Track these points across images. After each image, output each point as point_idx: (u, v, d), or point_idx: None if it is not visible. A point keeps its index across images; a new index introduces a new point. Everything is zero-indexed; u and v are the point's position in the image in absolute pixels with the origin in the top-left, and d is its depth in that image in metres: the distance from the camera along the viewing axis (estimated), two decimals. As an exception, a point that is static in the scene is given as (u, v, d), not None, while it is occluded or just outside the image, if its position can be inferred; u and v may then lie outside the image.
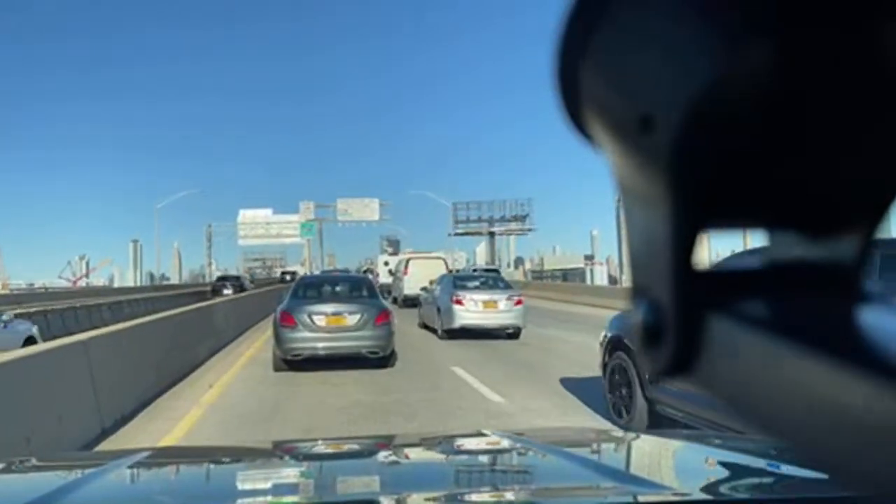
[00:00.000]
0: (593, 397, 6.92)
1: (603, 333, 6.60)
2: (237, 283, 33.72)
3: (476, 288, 14.47)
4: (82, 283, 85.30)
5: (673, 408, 5.27)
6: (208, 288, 32.88)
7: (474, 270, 28.20)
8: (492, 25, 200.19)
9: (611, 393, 6.27)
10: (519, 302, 14.00)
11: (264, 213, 69.34)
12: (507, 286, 15.26)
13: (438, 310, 14.30)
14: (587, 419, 6.53)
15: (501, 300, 13.84)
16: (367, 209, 67.45)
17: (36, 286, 59.18)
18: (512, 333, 13.83)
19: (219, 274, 48.98)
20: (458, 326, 13.59)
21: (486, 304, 13.74)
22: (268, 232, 68.59)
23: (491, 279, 16.01)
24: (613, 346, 6.26)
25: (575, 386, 7.90)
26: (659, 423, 5.45)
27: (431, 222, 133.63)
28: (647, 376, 5.57)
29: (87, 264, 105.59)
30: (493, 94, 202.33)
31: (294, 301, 10.05)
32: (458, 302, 13.70)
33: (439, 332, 14.17)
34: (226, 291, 28.25)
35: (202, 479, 1.65)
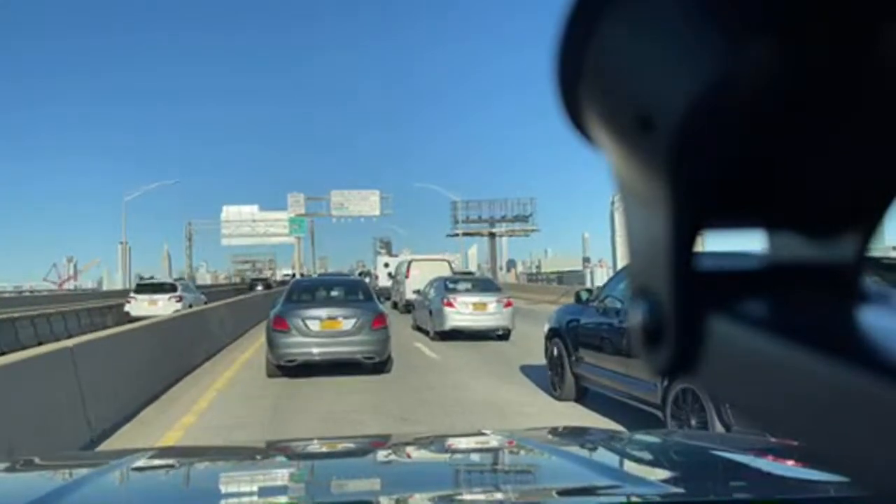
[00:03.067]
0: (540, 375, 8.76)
1: (546, 325, 8.29)
2: (265, 282, 47.80)
3: (467, 290, 14.63)
4: (70, 285, 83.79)
5: (590, 381, 7.11)
6: (246, 285, 48.23)
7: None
8: (487, 27, 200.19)
9: (550, 371, 8.01)
10: (508, 304, 14.26)
11: (250, 210, 61.66)
12: (497, 289, 15.56)
13: (430, 312, 14.45)
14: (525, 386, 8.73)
15: (491, 302, 14.06)
16: (365, 203, 58.97)
17: (24, 289, 57.89)
18: (502, 335, 14.03)
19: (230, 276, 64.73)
20: (449, 328, 13.76)
21: (476, 306, 13.93)
22: (254, 231, 61.30)
23: (482, 282, 16.33)
24: (553, 334, 7.99)
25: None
26: (584, 393, 7.40)
27: (430, 222, 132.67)
28: (573, 358, 7.34)
29: (75, 266, 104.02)
30: (489, 96, 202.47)
31: (288, 305, 9.69)
32: (449, 304, 13.87)
33: (431, 333, 14.26)
34: (258, 288, 39.90)
35: (202, 479, 1.65)
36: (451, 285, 15.01)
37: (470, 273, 28.83)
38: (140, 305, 20.36)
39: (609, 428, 5.11)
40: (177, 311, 16.33)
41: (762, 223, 0.32)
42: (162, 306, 19.37)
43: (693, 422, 4.97)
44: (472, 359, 11.29)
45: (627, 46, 0.29)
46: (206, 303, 18.98)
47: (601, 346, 6.75)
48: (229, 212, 61.48)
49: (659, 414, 5.52)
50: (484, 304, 14.02)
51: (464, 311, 13.87)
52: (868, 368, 0.23)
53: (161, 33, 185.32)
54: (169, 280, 26.39)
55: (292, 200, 60.89)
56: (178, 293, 21.35)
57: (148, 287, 22.53)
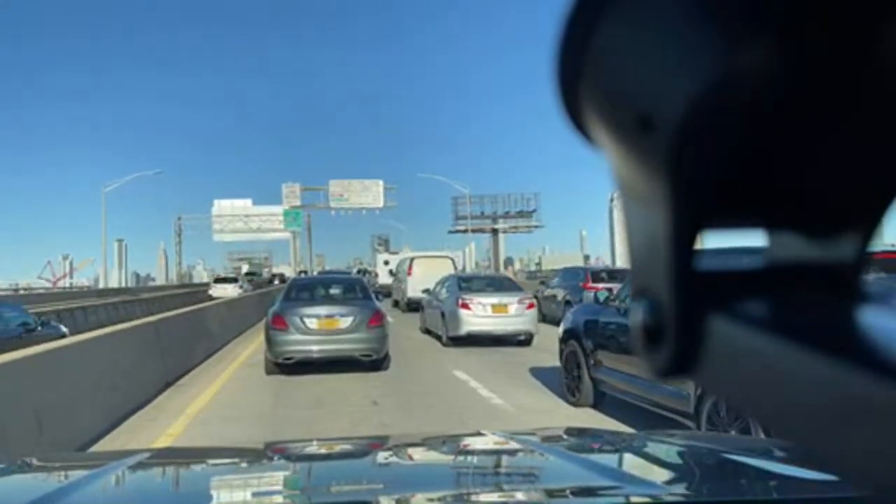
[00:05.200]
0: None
1: (561, 326, 7.89)
2: (282, 278, 52.69)
3: (483, 290, 13.23)
4: (65, 283, 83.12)
5: (610, 386, 6.66)
6: (267, 279, 57.46)
7: None
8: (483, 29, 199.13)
9: (566, 376, 7.49)
10: (531, 305, 12.92)
11: (243, 204, 58.03)
12: (518, 288, 14.18)
13: (443, 314, 13.13)
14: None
15: (512, 304, 12.62)
16: (368, 193, 54.54)
17: (20, 287, 57.48)
18: (524, 340, 12.78)
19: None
20: (465, 333, 12.38)
21: (495, 307, 12.50)
22: (247, 226, 57.61)
23: (500, 281, 14.98)
24: (568, 336, 7.57)
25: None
26: (601, 399, 6.90)
27: (431, 218, 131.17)
28: (590, 361, 6.89)
29: (71, 264, 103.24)
30: (487, 96, 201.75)
31: (286, 303, 9.81)
32: (465, 306, 12.43)
33: (444, 338, 13.02)
34: (275, 282, 47.22)
35: (201, 480, 1.64)
36: (465, 284, 13.62)
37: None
38: (218, 290, 33.97)
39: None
40: (238, 293, 28.79)
41: (762, 223, 0.32)
42: (231, 290, 32.78)
43: (733, 435, 4.42)
44: (553, 397, 7.70)
45: (627, 46, 0.29)
46: (252, 290, 32.08)
47: (622, 348, 6.28)
48: (221, 206, 58.29)
49: (691, 424, 5.03)
50: (504, 306, 12.52)
51: (481, 314, 12.39)
52: (868, 368, 0.23)
53: (160, 32, 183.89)
54: (233, 275, 48.22)
55: (287, 191, 56.55)
56: (238, 283, 38.00)
57: (222, 280, 40.72)
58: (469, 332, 12.40)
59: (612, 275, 16.97)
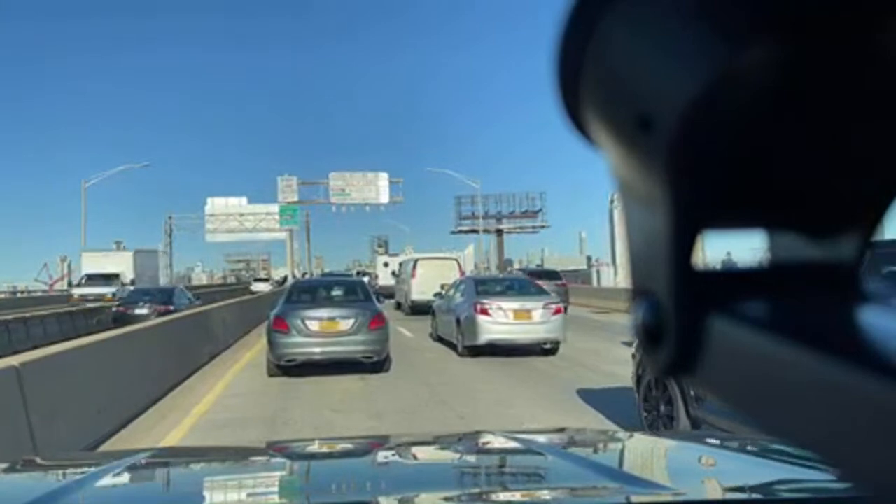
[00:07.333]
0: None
1: (636, 344, 5.44)
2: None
3: (504, 294, 11.95)
4: (63, 285, 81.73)
5: (722, 429, 4.34)
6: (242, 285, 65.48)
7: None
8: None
9: (646, 410, 5.73)
10: (558, 310, 11.51)
11: (238, 202, 53.63)
12: (542, 291, 12.71)
13: (458, 321, 11.83)
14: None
15: (537, 309, 11.29)
16: (371, 187, 50.14)
17: (19, 290, 56.03)
18: (549, 349, 11.44)
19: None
20: (485, 342, 11.12)
21: (517, 313, 11.20)
22: (242, 225, 53.29)
23: (521, 283, 13.34)
24: None
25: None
26: None
27: (433, 219, 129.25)
28: (692, 392, 5.10)
29: (69, 266, 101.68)
30: (486, 101, 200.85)
31: (287, 306, 9.84)
32: (484, 312, 11.17)
33: (459, 348, 11.74)
34: (287, 283, 55.08)
35: (202, 480, 1.65)
36: (482, 287, 12.22)
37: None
38: (257, 286, 44.70)
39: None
40: (269, 289, 38.08)
41: (762, 223, 0.32)
42: (264, 286, 43.78)
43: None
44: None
45: (627, 46, 0.29)
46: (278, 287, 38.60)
47: None
48: (215, 204, 53.90)
49: None
50: (527, 312, 11.22)
51: (502, 321, 11.14)
52: (868, 368, 0.23)
53: (157, 15, 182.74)
54: (266, 277, 63.31)
55: (284, 185, 51.73)
56: (269, 282, 50.77)
57: (259, 279, 54.30)
58: (489, 341, 11.19)
59: (549, 274, 22.39)
